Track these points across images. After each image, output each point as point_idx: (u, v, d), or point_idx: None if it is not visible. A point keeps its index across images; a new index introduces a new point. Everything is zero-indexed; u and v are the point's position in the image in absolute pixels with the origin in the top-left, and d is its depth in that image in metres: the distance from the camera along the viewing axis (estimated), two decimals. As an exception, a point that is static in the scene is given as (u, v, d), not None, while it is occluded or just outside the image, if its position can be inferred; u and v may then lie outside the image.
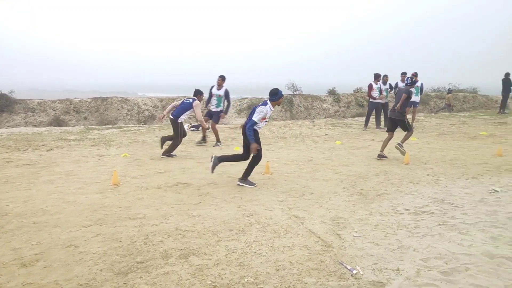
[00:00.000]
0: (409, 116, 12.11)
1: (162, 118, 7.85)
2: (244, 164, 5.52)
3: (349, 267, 3.02)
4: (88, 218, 4.10)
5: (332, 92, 16.77)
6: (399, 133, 7.79)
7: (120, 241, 3.53)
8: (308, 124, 12.92)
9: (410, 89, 7.43)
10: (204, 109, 8.80)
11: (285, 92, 16.42)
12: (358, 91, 17.93)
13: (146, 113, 13.52)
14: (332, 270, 3.00)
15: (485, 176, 5.84)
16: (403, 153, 7.13)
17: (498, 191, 4.93)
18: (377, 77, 11.41)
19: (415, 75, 11.69)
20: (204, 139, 9.00)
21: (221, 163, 5.60)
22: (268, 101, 5.35)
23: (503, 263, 3.04)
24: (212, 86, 8.84)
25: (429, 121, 13.48)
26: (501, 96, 16.17)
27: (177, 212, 4.32)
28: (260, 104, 5.40)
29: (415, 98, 11.64)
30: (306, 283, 2.82)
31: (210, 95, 8.84)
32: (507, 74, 15.56)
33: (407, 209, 4.40)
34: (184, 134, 7.67)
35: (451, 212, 4.27)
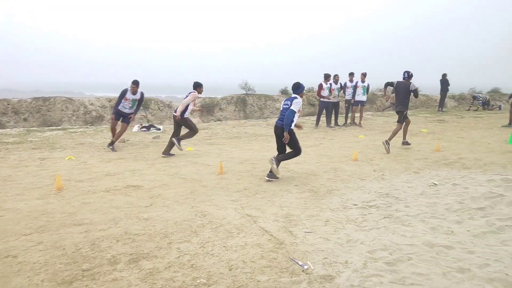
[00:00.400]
0: (357, 115, 12.64)
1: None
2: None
3: (300, 263, 3.09)
4: (27, 226, 3.84)
5: (284, 92, 17.03)
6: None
7: (64, 249, 3.34)
8: (262, 124, 13.05)
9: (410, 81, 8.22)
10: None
11: (238, 92, 16.45)
12: (309, 90, 18.37)
13: (94, 113, 12.92)
14: (284, 267, 3.05)
15: (425, 171, 6.23)
16: (387, 150, 7.67)
17: (437, 184, 5.28)
18: (327, 77, 11.76)
19: (364, 75, 12.21)
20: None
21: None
22: (296, 95, 5.69)
23: (441, 251, 3.25)
24: (126, 90, 8.29)
25: (376, 119, 14.13)
26: (439, 96, 17.40)
27: (127, 215, 4.17)
28: (289, 98, 5.73)
29: (362, 97, 12.16)
30: (258, 281, 2.84)
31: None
32: (444, 75, 16.73)
33: (355, 204, 4.58)
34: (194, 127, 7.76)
35: (395, 205, 4.50)
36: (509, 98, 11.89)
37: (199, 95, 8.21)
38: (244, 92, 16.18)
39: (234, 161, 7.05)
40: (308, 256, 3.22)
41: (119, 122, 8.37)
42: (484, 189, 4.63)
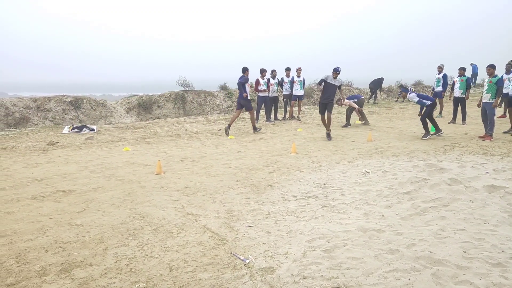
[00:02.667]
0: (295, 109, 12.97)
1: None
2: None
3: (242, 258, 3.10)
4: None
5: (224, 88, 16.98)
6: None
7: (-16, 264, 3.04)
8: (202, 120, 12.90)
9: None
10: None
11: (177, 88, 16.08)
12: (249, 85, 18.47)
13: (17, 115, 11.87)
14: (226, 263, 3.04)
15: (359, 160, 6.58)
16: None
17: (369, 172, 5.60)
18: (262, 71, 11.91)
19: (299, 70, 12.54)
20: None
21: None
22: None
23: (373, 235, 3.46)
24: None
25: (313, 113, 14.62)
26: (369, 89, 18.70)
27: (57, 223, 3.89)
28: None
29: (299, 92, 12.50)
30: (200, 279, 2.80)
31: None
32: (381, 79, 18.21)
33: (295, 196, 4.70)
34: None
35: (332, 194, 4.70)
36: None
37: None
38: (183, 88, 15.86)
39: (173, 159, 6.89)
40: (249, 250, 3.25)
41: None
42: (410, 175, 5.00)
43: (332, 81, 8.68)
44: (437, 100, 12.86)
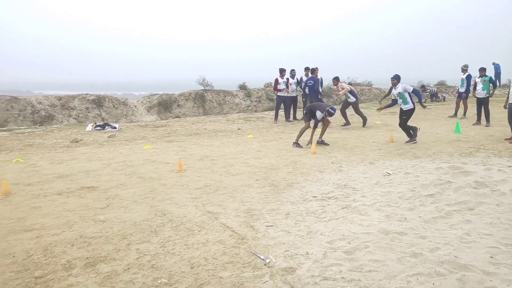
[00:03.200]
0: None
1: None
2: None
3: (262, 257, 3.11)
4: (-29, 235, 3.57)
5: (243, 87, 17.03)
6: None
7: (14, 256, 3.15)
8: (221, 119, 12.97)
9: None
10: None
11: (196, 87, 16.23)
12: (268, 85, 18.49)
13: (43, 113, 12.22)
14: (246, 262, 3.05)
15: (380, 161, 6.49)
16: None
17: (390, 174, 5.51)
18: (282, 71, 11.87)
19: (316, 69, 12.43)
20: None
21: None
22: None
23: (395, 238, 3.41)
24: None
25: (333, 113, 14.49)
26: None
27: (82, 218, 3.99)
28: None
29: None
30: (221, 277, 2.82)
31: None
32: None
33: (314, 196, 4.67)
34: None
35: (353, 195, 4.65)
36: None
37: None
38: (202, 88, 15.99)
39: (193, 158, 6.96)
40: (269, 250, 3.25)
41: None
42: (433, 177, 4.89)
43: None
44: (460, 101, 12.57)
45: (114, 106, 13.50)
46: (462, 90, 12.20)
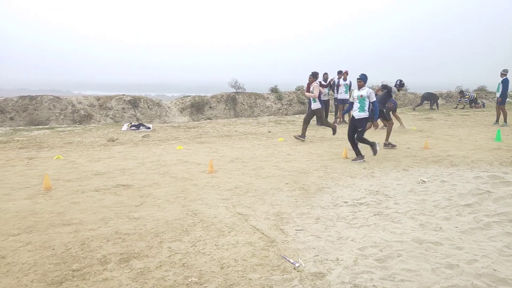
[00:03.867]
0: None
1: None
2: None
3: (292, 261, 3.10)
4: (16, 227, 3.78)
5: (274, 90, 17.06)
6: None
7: (53, 249, 3.30)
8: (252, 122, 13.04)
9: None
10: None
11: (228, 90, 16.41)
12: (299, 89, 18.42)
13: (82, 112, 12.76)
14: (275, 265, 3.05)
15: (414, 168, 6.30)
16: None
17: (425, 181, 5.34)
18: (315, 75, 11.78)
19: (346, 73, 12.27)
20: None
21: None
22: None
23: (430, 247, 3.30)
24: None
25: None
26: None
27: (117, 215, 4.13)
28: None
29: (344, 95, 12.24)
30: (250, 279, 2.84)
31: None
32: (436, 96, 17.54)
33: (345, 202, 4.61)
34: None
35: (385, 202, 4.55)
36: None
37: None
38: (234, 90, 16.15)
39: (224, 159, 7.04)
40: (299, 254, 3.23)
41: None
42: (471, 186, 4.70)
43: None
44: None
45: (148, 107, 13.89)
46: (498, 95, 11.67)
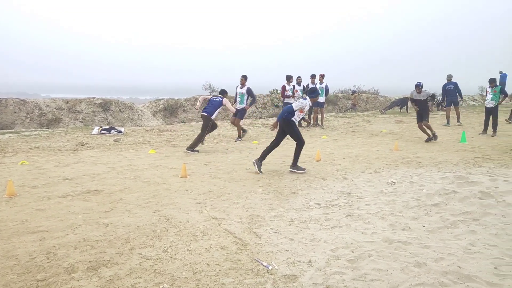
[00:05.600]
0: (318, 116, 12.88)
1: (198, 109, 8.94)
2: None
3: (265, 264, 3.10)
4: (-24, 236, 3.60)
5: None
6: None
7: (17, 259, 3.16)
8: (227, 125, 13.00)
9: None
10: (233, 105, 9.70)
11: (202, 93, 16.30)
12: (273, 92, 18.54)
13: (50, 115, 12.33)
14: (249, 268, 3.04)
15: (384, 170, 6.46)
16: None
17: (395, 183, 5.48)
18: (289, 78, 11.92)
19: (322, 76, 12.48)
20: (240, 135, 9.78)
21: (263, 161, 6.44)
22: (308, 98, 6.44)
23: (399, 247, 3.38)
24: (237, 86, 9.96)
25: (338, 120, 14.49)
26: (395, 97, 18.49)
27: (86, 221, 4.01)
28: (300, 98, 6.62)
29: (321, 98, 12.41)
30: (223, 283, 2.82)
31: (235, 94, 9.95)
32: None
33: (318, 204, 4.66)
34: (213, 128, 8.55)
35: (357, 204, 4.63)
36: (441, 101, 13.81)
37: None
38: (208, 93, 16.07)
39: (198, 163, 6.98)
40: (272, 257, 3.24)
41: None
42: (438, 186, 4.86)
43: (417, 96, 9.60)
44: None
45: (120, 110, 13.60)
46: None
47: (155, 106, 14.83)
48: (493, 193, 4.37)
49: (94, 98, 13.67)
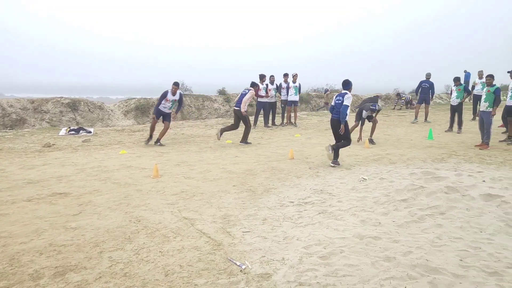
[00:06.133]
0: (292, 115, 12.98)
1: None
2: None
3: (238, 263, 3.08)
4: None
5: (222, 92, 17.00)
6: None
7: (-23, 267, 3.00)
8: (200, 125, 12.88)
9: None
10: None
11: (175, 92, 16.06)
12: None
13: (14, 116, 11.82)
14: (222, 268, 3.02)
15: (356, 167, 6.58)
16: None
17: (366, 179, 5.60)
18: (262, 77, 11.94)
19: (295, 76, 12.57)
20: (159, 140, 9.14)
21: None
22: (346, 91, 6.62)
23: (370, 242, 3.45)
24: (167, 91, 9.15)
25: (311, 119, 14.66)
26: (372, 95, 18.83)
27: (52, 226, 3.86)
28: (341, 94, 6.70)
29: (294, 97, 12.51)
30: (196, 284, 2.78)
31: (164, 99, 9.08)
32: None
33: (291, 202, 4.69)
34: (249, 122, 9.04)
35: (329, 201, 4.69)
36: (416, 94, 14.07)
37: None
38: (181, 92, 15.88)
39: (170, 163, 6.87)
40: (246, 256, 3.23)
41: (160, 122, 9.14)
42: (407, 182, 5.00)
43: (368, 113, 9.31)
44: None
45: (89, 110, 13.22)
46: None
47: (126, 106, 14.50)
48: (458, 187, 4.54)
49: (62, 97, 13.21)
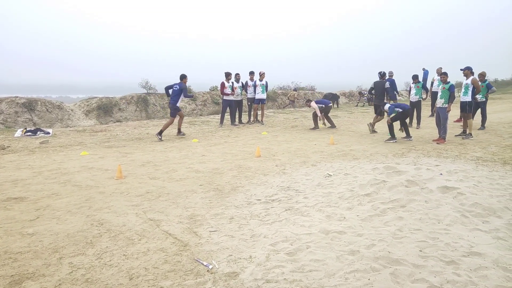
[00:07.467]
0: (258, 112, 13.04)
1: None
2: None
3: (205, 263, 3.05)
4: None
5: (188, 91, 16.78)
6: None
7: None
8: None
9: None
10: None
11: (139, 91, 15.70)
12: (213, 89, 18.41)
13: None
14: (188, 269, 2.98)
15: (321, 163, 6.70)
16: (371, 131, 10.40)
17: (331, 175, 5.71)
18: (227, 75, 11.90)
19: (263, 74, 12.62)
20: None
21: None
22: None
23: (335, 237, 3.52)
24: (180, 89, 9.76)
25: (277, 117, 14.77)
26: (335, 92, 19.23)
27: (7, 232, 3.65)
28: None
29: (261, 95, 12.57)
30: (162, 287, 2.73)
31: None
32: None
33: (258, 199, 4.70)
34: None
35: (295, 197, 4.75)
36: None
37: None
38: (145, 91, 15.52)
39: (135, 164, 6.70)
40: (213, 255, 3.21)
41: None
42: (370, 177, 5.15)
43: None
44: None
45: (47, 110, 12.64)
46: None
47: (88, 105, 13.99)
48: (418, 181, 4.73)
49: (17, 97, 12.55)
